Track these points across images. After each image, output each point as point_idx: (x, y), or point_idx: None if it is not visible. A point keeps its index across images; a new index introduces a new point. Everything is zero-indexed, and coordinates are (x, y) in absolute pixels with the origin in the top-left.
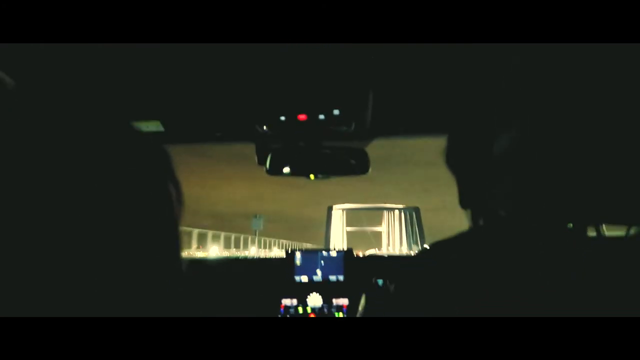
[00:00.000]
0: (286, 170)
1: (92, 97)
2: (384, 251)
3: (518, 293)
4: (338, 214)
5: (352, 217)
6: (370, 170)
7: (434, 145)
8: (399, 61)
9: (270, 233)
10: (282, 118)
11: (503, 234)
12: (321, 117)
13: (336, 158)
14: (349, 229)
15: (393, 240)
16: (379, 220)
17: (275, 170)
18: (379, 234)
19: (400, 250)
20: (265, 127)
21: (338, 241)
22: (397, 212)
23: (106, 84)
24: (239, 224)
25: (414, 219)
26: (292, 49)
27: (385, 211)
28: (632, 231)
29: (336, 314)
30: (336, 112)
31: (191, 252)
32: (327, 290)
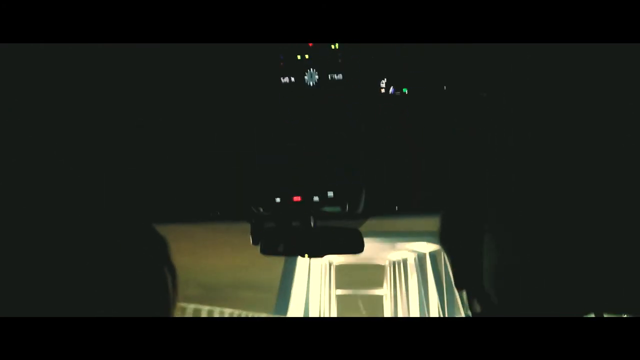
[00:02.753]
0: (280, 250)
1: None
2: None
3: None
4: (320, 269)
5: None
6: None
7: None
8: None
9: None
10: (277, 200)
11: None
12: (315, 199)
13: (330, 238)
14: (340, 292)
15: (404, 308)
16: (379, 279)
17: (269, 251)
18: (377, 300)
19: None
20: (260, 209)
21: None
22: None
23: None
24: (227, 294)
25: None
26: (289, 130)
27: (388, 265)
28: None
29: None
30: (330, 194)
31: None
32: None
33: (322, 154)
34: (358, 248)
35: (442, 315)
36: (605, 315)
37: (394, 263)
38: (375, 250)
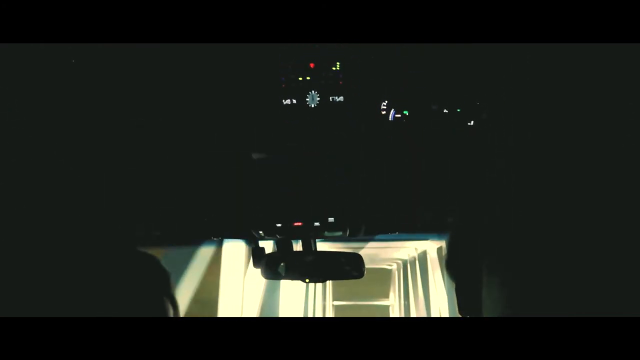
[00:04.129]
0: (281, 274)
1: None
2: None
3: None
4: None
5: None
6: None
7: None
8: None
9: None
10: (279, 225)
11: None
12: (316, 224)
13: (331, 262)
14: (338, 303)
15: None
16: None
17: (271, 275)
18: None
19: None
20: (261, 233)
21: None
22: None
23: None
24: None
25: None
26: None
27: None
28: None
29: None
30: (331, 219)
31: None
32: None
33: (323, 176)
34: (359, 272)
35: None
36: (605, 316)
37: (404, 263)
38: (379, 250)
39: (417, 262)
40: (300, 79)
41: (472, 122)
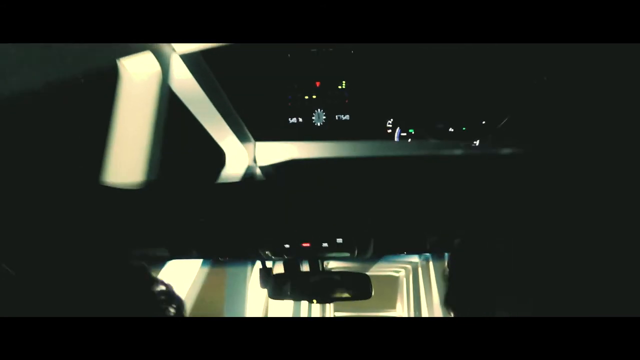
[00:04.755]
0: (288, 295)
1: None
2: None
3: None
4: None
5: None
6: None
7: None
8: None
9: None
10: (287, 246)
11: None
12: (324, 245)
13: (338, 283)
14: (340, 314)
15: None
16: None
17: (277, 295)
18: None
19: None
20: (268, 253)
21: None
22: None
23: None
24: None
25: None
26: (293, 182)
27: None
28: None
29: None
30: (339, 240)
31: None
32: None
33: (331, 199)
34: (366, 294)
35: None
36: (605, 316)
37: (414, 267)
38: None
39: (430, 263)
40: (307, 97)
41: (477, 142)
